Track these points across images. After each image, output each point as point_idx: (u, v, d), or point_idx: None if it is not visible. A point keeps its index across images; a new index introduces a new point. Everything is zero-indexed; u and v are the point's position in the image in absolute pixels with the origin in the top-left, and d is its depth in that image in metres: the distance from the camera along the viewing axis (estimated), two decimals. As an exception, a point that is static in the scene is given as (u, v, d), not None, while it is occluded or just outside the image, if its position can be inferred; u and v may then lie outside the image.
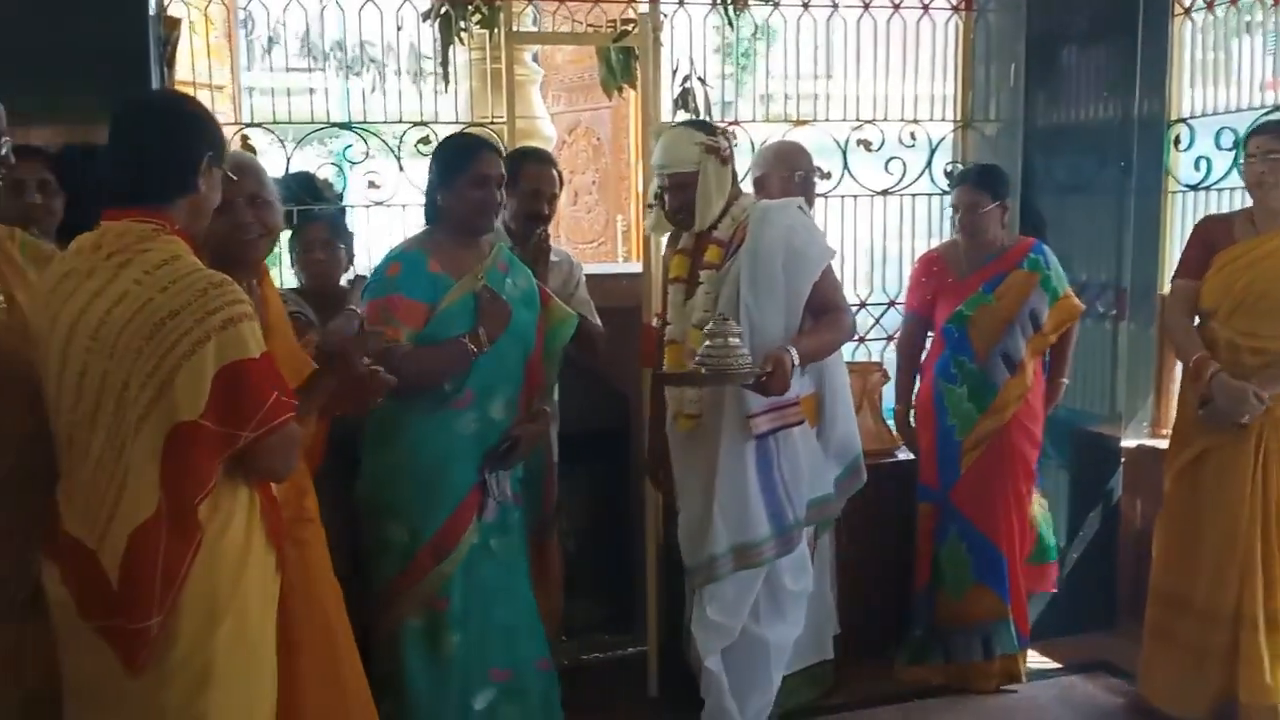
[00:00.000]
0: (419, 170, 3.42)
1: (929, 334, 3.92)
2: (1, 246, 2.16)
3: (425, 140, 3.93)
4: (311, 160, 4.40)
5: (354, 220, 3.94)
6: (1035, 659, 4.10)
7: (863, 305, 4.49)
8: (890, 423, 4.27)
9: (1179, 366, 3.74)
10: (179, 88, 3.75)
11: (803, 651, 3.66)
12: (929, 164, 4.51)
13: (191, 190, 2.00)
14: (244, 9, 4.15)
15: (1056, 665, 4.08)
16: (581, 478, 4.01)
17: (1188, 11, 4.14)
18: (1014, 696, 3.83)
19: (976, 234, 3.77)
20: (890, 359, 4.45)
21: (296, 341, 2.46)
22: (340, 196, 3.90)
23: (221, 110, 4.53)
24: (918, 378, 3.94)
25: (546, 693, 3.04)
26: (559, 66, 5.87)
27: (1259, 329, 3.32)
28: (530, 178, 3.39)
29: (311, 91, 4.08)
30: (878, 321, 4.54)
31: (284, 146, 3.99)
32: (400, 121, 4.04)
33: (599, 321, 3.50)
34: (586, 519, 4.14)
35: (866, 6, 4.38)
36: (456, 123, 4.12)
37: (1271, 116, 3.64)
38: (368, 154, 3.99)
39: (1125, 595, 4.22)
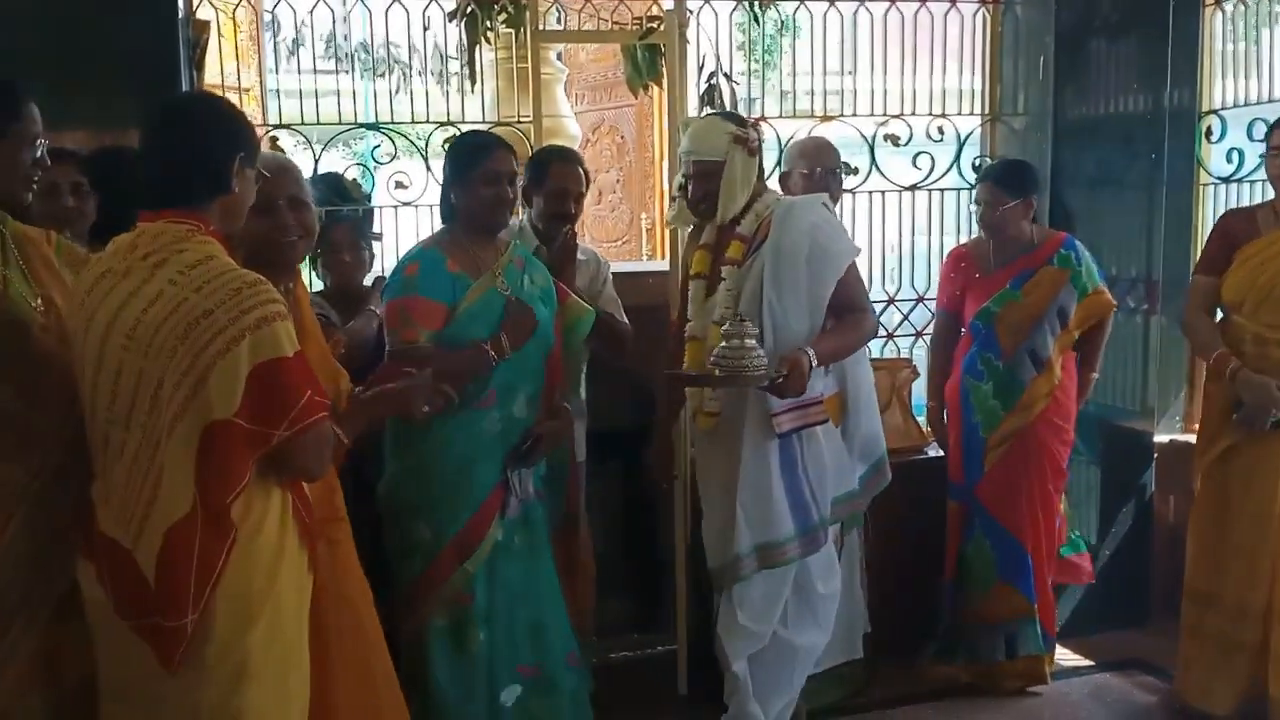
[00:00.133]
0: (446, 170, 3.42)
1: (961, 330, 3.89)
2: (39, 249, 2.18)
3: (451, 140, 3.93)
4: (336, 162, 4.42)
5: (381, 221, 3.96)
6: (1068, 656, 4.08)
7: (891, 301, 4.48)
8: (920, 419, 4.25)
9: (1211, 362, 3.70)
10: (206, 90, 3.77)
11: (832, 651, 3.64)
12: (957, 158, 4.48)
13: (225, 191, 2.01)
14: (269, 11, 4.17)
15: (1089, 662, 4.06)
16: (610, 476, 4.02)
17: (1218, 2, 4.10)
18: (1046, 694, 3.80)
19: (997, 231, 3.74)
20: (919, 355, 4.43)
21: (326, 344, 2.48)
22: (368, 197, 3.92)
23: (248, 113, 4.55)
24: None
25: (576, 688, 3.04)
26: (582, 65, 5.88)
27: None
28: (557, 177, 3.39)
29: (337, 94, 4.09)
30: (906, 318, 4.52)
31: (312, 148, 4.01)
32: (427, 121, 4.05)
33: (626, 320, 3.50)
34: (615, 517, 4.14)
35: (893, 0, 4.36)
36: (483, 122, 4.12)
37: None
38: (395, 154, 4.00)
39: (1158, 592, 4.18)
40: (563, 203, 3.38)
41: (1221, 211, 3.99)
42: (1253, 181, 4.03)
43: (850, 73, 4.57)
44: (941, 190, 4.49)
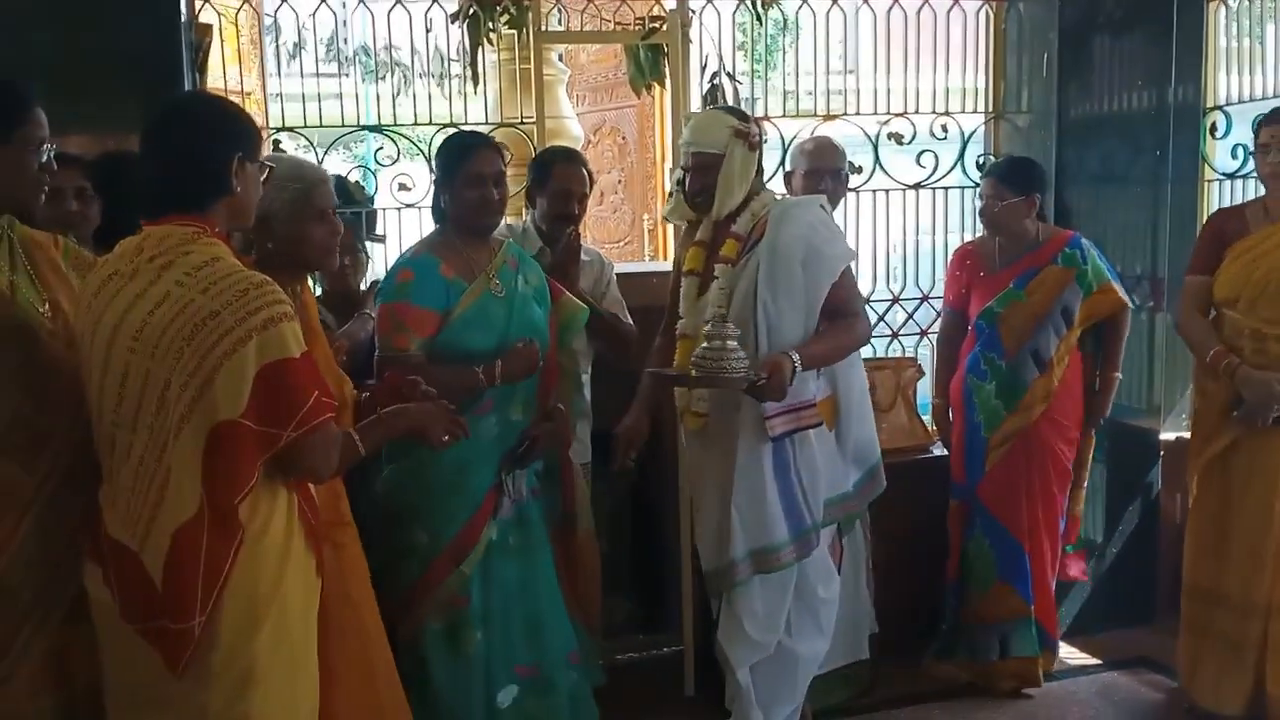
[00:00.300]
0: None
1: (967, 327, 3.88)
2: (46, 253, 2.18)
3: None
4: (337, 165, 4.42)
5: (384, 222, 3.96)
6: (1074, 655, 4.08)
7: (896, 300, 4.47)
8: (925, 418, 4.24)
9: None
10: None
11: (838, 652, 3.63)
12: (961, 156, 4.47)
13: (226, 192, 2.01)
14: (270, 15, 4.17)
15: (1096, 661, 4.05)
16: (615, 476, 4.00)
17: (1222, -2, 4.10)
18: (1054, 692, 3.80)
19: (998, 228, 3.73)
20: (924, 355, 4.43)
21: (330, 348, 2.48)
22: (370, 199, 3.92)
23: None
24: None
25: (576, 686, 3.02)
26: (583, 66, 5.87)
27: None
28: (560, 178, 3.39)
29: (340, 97, 4.09)
30: (911, 316, 4.51)
31: (314, 151, 4.00)
32: (430, 123, 4.04)
33: (630, 320, 3.49)
34: (621, 518, 4.13)
35: (896, -2, 4.36)
36: (485, 123, 4.12)
37: None
38: (397, 157, 4.00)
39: (1164, 589, 4.17)
40: (566, 204, 3.38)
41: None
42: (1258, 178, 4.01)
43: (853, 71, 4.57)
44: (945, 188, 4.48)
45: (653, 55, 4.01)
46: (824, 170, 3.66)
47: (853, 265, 3.19)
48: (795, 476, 3.10)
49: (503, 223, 3.45)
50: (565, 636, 2.99)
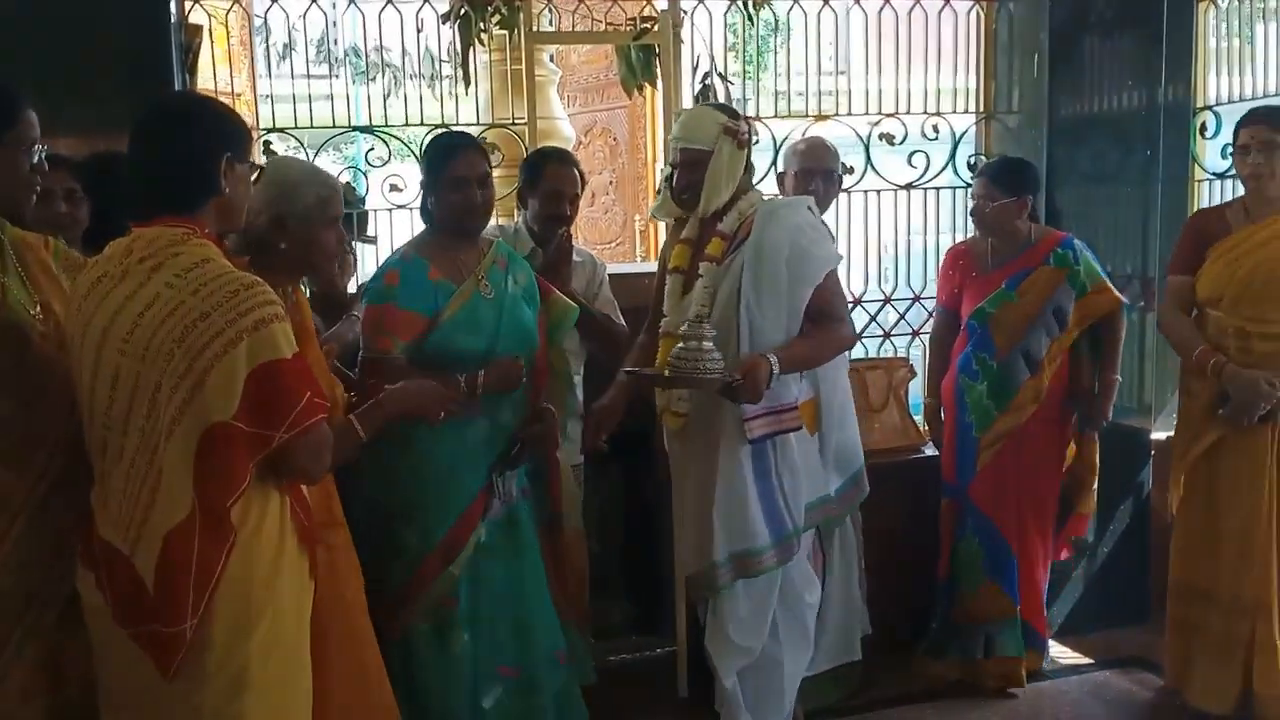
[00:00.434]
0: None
1: (960, 327, 3.89)
2: (37, 254, 2.17)
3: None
4: (328, 166, 4.39)
5: (376, 224, 3.95)
6: (1067, 654, 4.09)
7: (887, 300, 4.48)
8: (917, 418, 4.25)
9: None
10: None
11: (830, 652, 3.64)
12: (952, 157, 4.48)
13: (215, 192, 1.99)
14: (260, 16, 4.16)
15: (1088, 660, 4.06)
16: (608, 478, 4.01)
17: (1212, -1, 4.12)
18: (1046, 691, 3.80)
19: (990, 228, 3.74)
20: (916, 355, 4.43)
21: (320, 351, 2.48)
22: (361, 201, 3.91)
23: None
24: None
25: (563, 686, 3.01)
26: (574, 67, 5.88)
27: (1268, 314, 3.30)
28: (552, 178, 3.38)
29: (331, 98, 4.07)
30: (902, 317, 4.52)
31: (305, 151, 3.99)
32: (421, 124, 4.03)
33: (623, 321, 3.49)
34: (614, 519, 4.13)
35: (887, -1, 4.36)
36: (477, 124, 4.12)
37: (1261, 105, 3.64)
38: (388, 158, 3.99)
39: (1157, 589, 4.17)
40: (558, 204, 3.37)
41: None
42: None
43: (844, 72, 4.57)
44: (937, 189, 4.49)
45: (644, 56, 4.01)
46: (815, 171, 3.66)
47: (841, 270, 3.17)
48: (776, 480, 3.08)
49: (495, 223, 3.45)
50: (552, 636, 2.98)
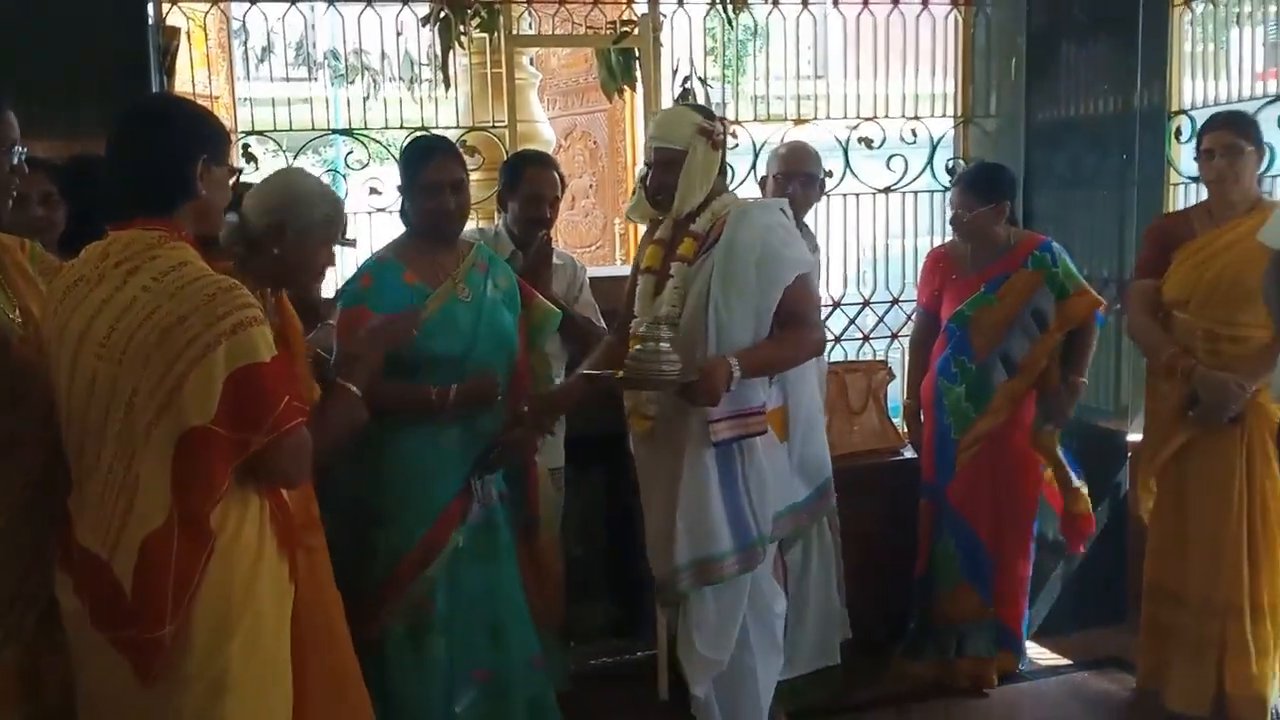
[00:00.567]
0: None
1: (940, 329, 3.91)
2: (14, 257, 2.15)
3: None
4: (307, 169, 4.38)
5: (355, 227, 3.93)
6: (1045, 655, 4.11)
7: (866, 304, 4.50)
8: (896, 420, 4.27)
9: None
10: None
11: (810, 655, 3.64)
12: (930, 161, 4.51)
13: (191, 194, 1.98)
14: (238, 19, 4.15)
15: (1066, 661, 4.08)
16: (588, 481, 4.01)
17: (1187, 2, 4.14)
18: (1025, 692, 3.83)
19: (969, 237, 3.76)
20: (895, 358, 4.45)
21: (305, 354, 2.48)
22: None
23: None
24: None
25: (537, 691, 3.00)
26: (554, 71, 5.87)
27: (1236, 317, 3.31)
28: (531, 181, 3.38)
29: (310, 101, 4.07)
30: (881, 320, 4.54)
31: (284, 154, 3.98)
32: (401, 127, 4.03)
33: (604, 324, 3.49)
34: (594, 522, 4.13)
35: (866, 3, 4.38)
36: (457, 127, 4.11)
37: (1224, 110, 3.67)
38: (367, 161, 3.98)
39: (1134, 589, 4.19)
40: (538, 207, 3.37)
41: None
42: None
43: (822, 76, 4.59)
44: (915, 192, 4.51)
45: (624, 59, 4.01)
46: (795, 174, 3.66)
47: (814, 275, 3.10)
48: (742, 486, 3.00)
49: (475, 226, 3.45)
50: (527, 642, 2.98)
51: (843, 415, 4.17)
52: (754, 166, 4.22)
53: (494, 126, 4.14)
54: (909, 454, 4.13)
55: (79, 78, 3.32)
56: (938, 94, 4.63)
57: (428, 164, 2.85)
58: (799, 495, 3.19)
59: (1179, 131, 4.21)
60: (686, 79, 4.01)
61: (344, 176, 4.07)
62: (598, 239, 5.77)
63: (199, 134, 2.02)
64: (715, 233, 2.97)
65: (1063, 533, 3.93)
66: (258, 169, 3.89)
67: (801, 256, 3.02)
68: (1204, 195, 4.08)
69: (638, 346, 2.81)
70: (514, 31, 4.03)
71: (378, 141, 4.04)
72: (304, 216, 2.40)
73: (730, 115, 4.38)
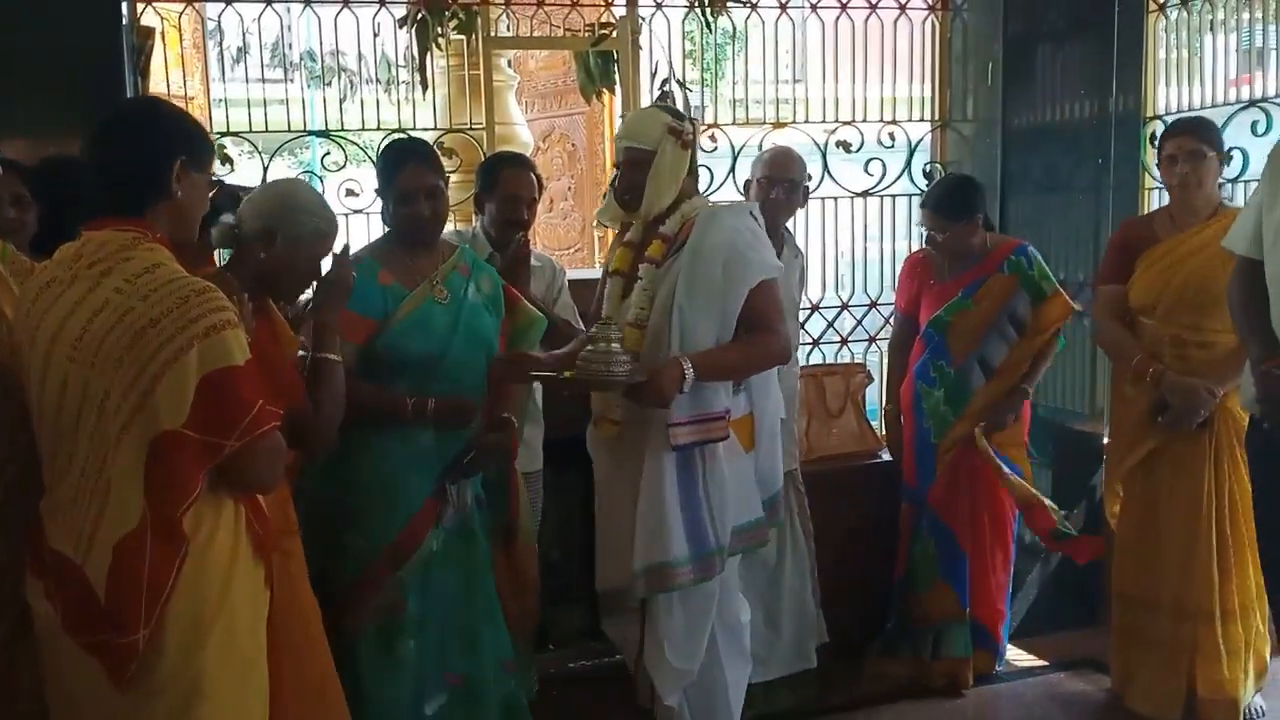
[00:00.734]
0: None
1: (919, 334, 3.92)
2: (-15, 259, 2.13)
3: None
4: (282, 171, 4.37)
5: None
6: (1022, 656, 4.12)
7: (845, 307, 4.51)
8: (874, 424, 4.28)
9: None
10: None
11: (785, 660, 3.64)
12: (908, 164, 4.52)
13: (165, 193, 1.96)
14: (213, 19, 4.12)
15: (1043, 662, 4.09)
16: (567, 484, 3.99)
17: (1161, 8, 4.17)
18: (1002, 693, 3.84)
19: (948, 255, 3.76)
20: (873, 361, 4.47)
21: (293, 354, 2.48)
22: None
23: (194, 121, 4.49)
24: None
25: (509, 696, 2.99)
26: (532, 73, 5.86)
27: (1203, 323, 3.34)
28: (508, 183, 3.36)
29: (286, 102, 4.04)
30: (859, 323, 4.55)
31: (259, 156, 3.96)
32: (378, 129, 4.01)
33: (583, 326, 3.48)
34: (572, 525, 4.11)
35: (844, 7, 4.40)
36: (434, 129, 4.09)
37: (1186, 116, 3.70)
38: (344, 163, 3.96)
39: (1109, 592, 4.23)
40: (515, 209, 3.35)
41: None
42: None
43: (801, 80, 4.60)
44: (893, 196, 4.53)
45: (602, 62, 4.01)
46: (778, 180, 3.64)
47: (782, 281, 3.04)
48: (702, 494, 2.94)
49: (452, 228, 3.43)
50: (501, 646, 2.96)
51: (821, 418, 4.17)
52: (733, 170, 4.22)
53: (471, 129, 4.12)
54: (886, 457, 4.14)
55: (52, 78, 3.29)
56: (915, 98, 4.66)
57: (402, 170, 2.83)
58: (758, 507, 3.10)
59: (1154, 136, 4.23)
60: (665, 82, 4.01)
61: (320, 178, 4.04)
62: (576, 242, 5.76)
63: (177, 135, 2.00)
64: (684, 235, 2.93)
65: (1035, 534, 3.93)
66: (233, 170, 3.87)
67: (767, 261, 2.96)
68: (1179, 200, 4.13)
69: (589, 347, 2.78)
70: (492, 33, 4.02)
71: (354, 143, 4.02)
72: (295, 226, 2.43)
73: (709, 119, 4.38)
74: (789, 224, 3.77)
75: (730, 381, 2.95)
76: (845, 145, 4.40)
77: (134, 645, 1.84)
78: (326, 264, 2.55)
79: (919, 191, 4.46)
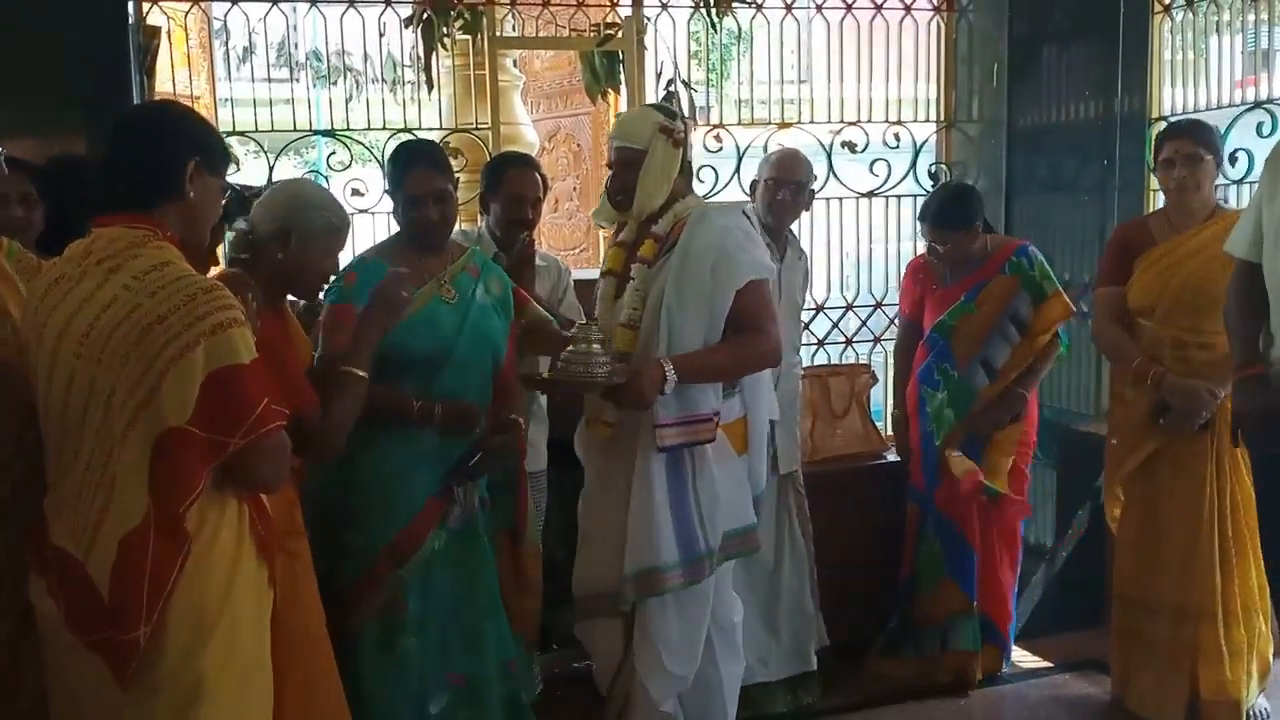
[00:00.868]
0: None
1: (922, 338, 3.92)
2: (-7, 257, 2.14)
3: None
4: (288, 171, 4.38)
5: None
6: (1026, 657, 4.11)
7: (849, 307, 4.51)
8: (878, 424, 4.28)
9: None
10: (159, 98, 3.72)
11: (785, 661, 3.63)
12: (913, 165, 4.53)
13: (176, 192, 1.97)
14: (219, 19, 4.13)
15: (1047, 664, 4.09)
16: (570, 484, 3.99)
17: (1167, 10, 4.17)
18: (1006, 694, 3.83)
19: (951, 264, 3.77)
20: (878, 361, 4.47)
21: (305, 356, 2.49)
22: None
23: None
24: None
25: (512, 696, 2.99)
26: (537, 73, 5.86)
27: (1203, 325, 3.33)
28: (513, 183, 3.36)
29: (291, 101, 4.05)
30: (864, 324, 4.55)
31: (265, 155, 3.96)
32: (384, 128, 4.01)
33: (587, 327, 3.48)
34: (575, 526, 4.11)
35: (849, 8, 4.40)
36: (439, 129, 4.10)
37: (1183, 119, 3.70)
38: (349, 162, 3.97)
39: (1114, 594, 4.23)
40: (520, 208, 3.35)
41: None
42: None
43: (806, 80, 4.60)
44: (898, 197, 4.53)
45: (608, 62, 4.01)
46: (784, 182, 3.61)
47: (771, 281, 3.00)
48: (692, 498, 2.91)
49: (458, 228, 3.43)
50: (504, 645, 2.96)
51: (825, 419, 4.18)
52: (738, 170, 4.22)
53: (477, 128, 4.13)
54: (892, 457, 4.14)
55: (58, 77, 3.30)
56: (920, 99, 4.66)
57: (410, 174, 2.84)
58: (749, 513, 3.06)
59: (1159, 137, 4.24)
60: (670, 82, 4.02)
61: (326, 178, 4.05)
62: (581, 242, 5.76)
63: (193, 136, 2.02)
64: (675, 234, 2.91)
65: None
66: (239, 170, 3.88)
67: (758, 261, 2.93)
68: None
69: (570, 349, 2.78)
70: (497, 33, 4.03)
71: (360, 143, 4.03)
72: (308, 223, 2.46)
73: (714, 119, 4.38)
74: (793, 225, 3.77)
75: (719, 383, 2.92)
76: (850, 146, 4.41)
77: (135, 642, 1.84)
78: (343, 259, 2.57)
79: (924, 192, 4.46)
